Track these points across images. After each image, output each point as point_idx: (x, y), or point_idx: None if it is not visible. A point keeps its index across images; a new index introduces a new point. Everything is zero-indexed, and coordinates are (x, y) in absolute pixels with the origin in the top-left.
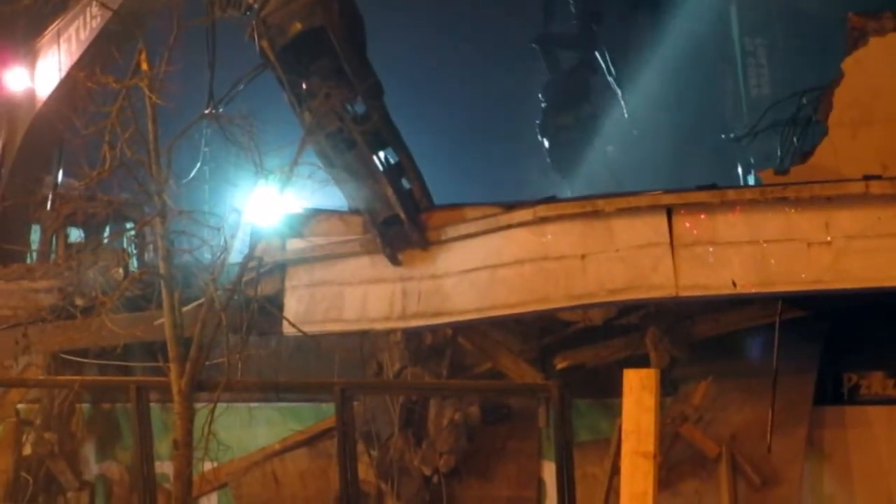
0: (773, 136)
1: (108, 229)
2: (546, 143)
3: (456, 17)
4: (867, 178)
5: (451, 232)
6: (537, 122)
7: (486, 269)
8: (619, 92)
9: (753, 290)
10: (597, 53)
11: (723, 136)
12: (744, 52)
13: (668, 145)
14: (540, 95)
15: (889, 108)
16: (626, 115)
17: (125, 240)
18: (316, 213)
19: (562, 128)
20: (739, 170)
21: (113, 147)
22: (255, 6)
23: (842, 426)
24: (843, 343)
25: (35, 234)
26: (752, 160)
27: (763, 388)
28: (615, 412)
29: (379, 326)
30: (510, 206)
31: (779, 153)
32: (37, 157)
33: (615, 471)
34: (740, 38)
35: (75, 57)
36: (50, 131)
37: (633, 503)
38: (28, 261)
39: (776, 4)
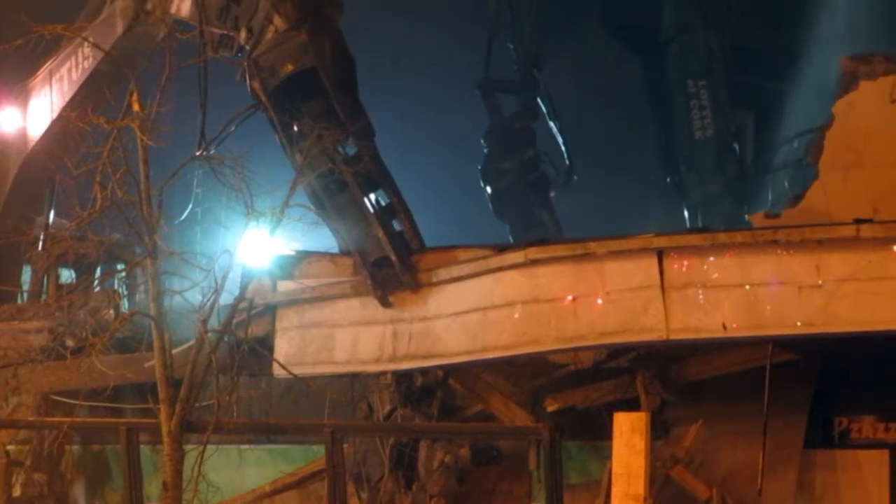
0: (717, 177)
1: (99, 270)
2: (488, 190)
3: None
4: (858, 221)
5: (443, 274)
6: (479, 167)
7: (477, 312)
8: (560, 137)
9: (744, 333)
10: (538, 99)
11: (668, 179)
12: (686, 95)
13: (611, 189)
14: (482, 141)
15: (880, 152)
16: (567, 161)
17: (116, 280)
18: (306, 255)
19: (503, 173)
20: (686, 213)
21: (104, 187)
22: (247, 47)
23: (832, 469)
24: (833, 386)
25: (26, 275)
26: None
27: (754, 431)
28: (605, 454)
29: (369, 368)
30: (501, 249)
31: (770, 197)
32: (28, 196)
33: None
34: (683, 80)
35: (67, 97)
36: (41, 171)
37: None
38: (19, 301)
39: (716, 45)
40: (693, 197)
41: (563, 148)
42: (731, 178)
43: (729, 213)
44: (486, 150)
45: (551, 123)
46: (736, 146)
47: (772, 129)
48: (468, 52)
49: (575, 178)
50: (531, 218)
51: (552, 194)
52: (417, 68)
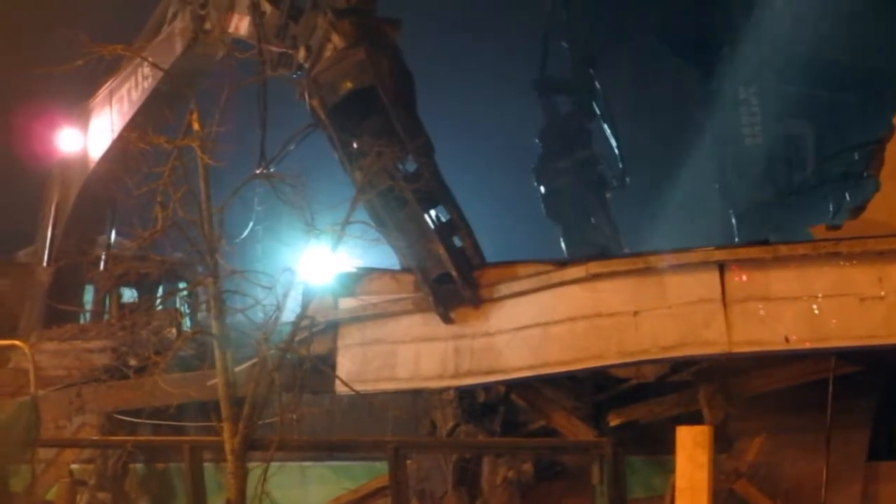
0: (766, 185)
1: (160, 289)
2: (542, 190)
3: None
4: None
5: (504, 289)
6: (532, 167)
7: (538, 327)
8: (613, 141)
9: (806, 346)
10: (593, 102)
11: (716, 185)
12: (737, 101)
13: (662, 192)
14: (537, 140)
15: None
16: (620, 164)
17: (178, 299)
18: (368, 272)
19: (558, 173)
20: (734, 220)
21: (165, 207)
22: (306, 65)
23: None
24: None
25: (88, 295)
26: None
27: (817, 444)
28: (669, 469)
29: (432, 385)
30: (562, 263)
31: (830, 208)
32: (90, 217)
33: None
34: (734, 86)
35: (127, 117)
36: (102, 191)
37: None
38: (81, 321)
39: (769, 53)
40: (740, 203)
41: (616, 151)
42: (781, 187)
43: (778, 222)
44: (540, 150)
45: (605, 125)
46: (790, 156)
47: (832, 140)
48: (522, 52)
49: (628, 181)
50: (586, 220)
51: (608, 196)
52: (471, 70)
